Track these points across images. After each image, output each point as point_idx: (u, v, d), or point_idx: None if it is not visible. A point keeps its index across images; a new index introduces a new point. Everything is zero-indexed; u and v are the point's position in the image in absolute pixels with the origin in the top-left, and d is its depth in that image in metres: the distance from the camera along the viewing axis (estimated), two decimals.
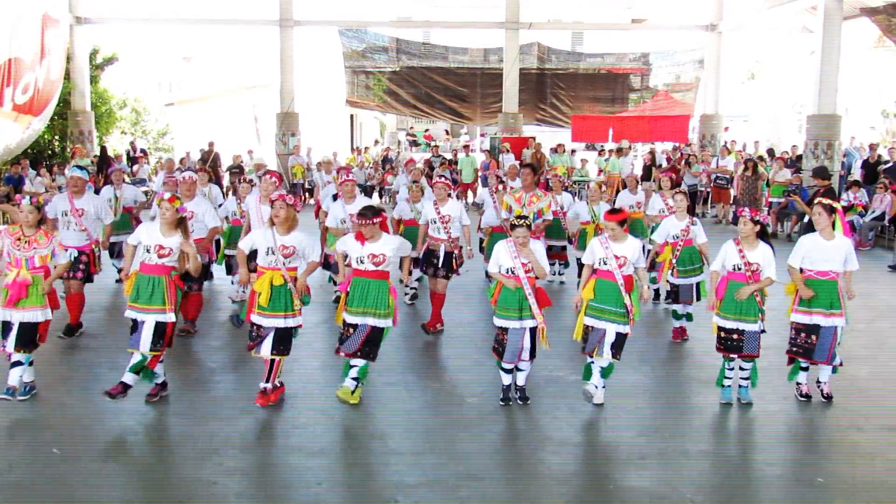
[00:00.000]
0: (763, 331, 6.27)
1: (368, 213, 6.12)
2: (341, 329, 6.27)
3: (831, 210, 6.24)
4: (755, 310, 6.18)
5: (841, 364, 6.40)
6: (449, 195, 8.34)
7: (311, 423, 5.98)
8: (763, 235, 6.30)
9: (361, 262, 6.16)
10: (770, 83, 30.73)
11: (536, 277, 6.17)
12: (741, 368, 6.37)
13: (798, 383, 6.50)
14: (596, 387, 6.21)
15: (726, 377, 6.41)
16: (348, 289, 6.22)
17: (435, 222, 8.13)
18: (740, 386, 6.41)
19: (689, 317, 8.32)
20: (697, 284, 8.23)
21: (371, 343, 6.16)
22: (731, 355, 6.28)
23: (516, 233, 6.09)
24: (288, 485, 5.05)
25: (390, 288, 6.22)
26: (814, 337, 6.24)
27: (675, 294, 8.20)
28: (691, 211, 8.28)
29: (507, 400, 6.33)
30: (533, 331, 6.14)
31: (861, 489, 5.04)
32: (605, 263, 6.12)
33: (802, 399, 6.43)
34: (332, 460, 5.39)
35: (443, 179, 8.36)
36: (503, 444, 5.74)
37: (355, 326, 6.13)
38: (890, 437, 5.87)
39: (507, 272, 6.15)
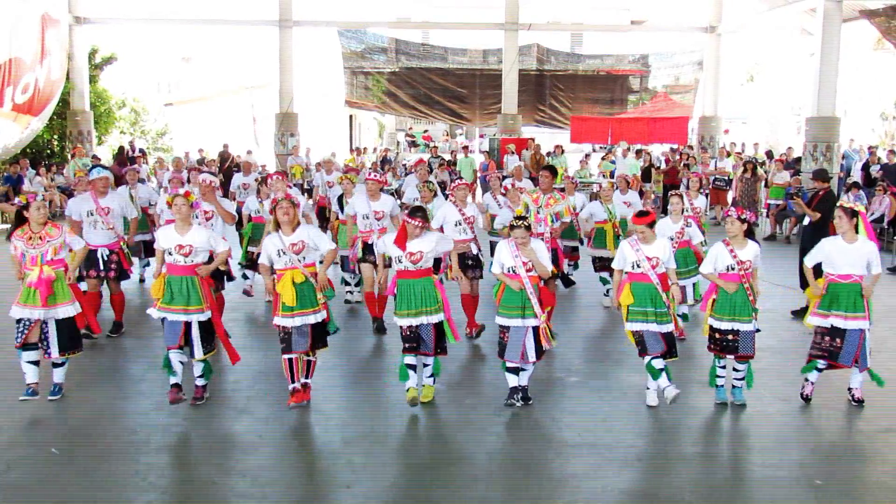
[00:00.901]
0: (758, 330, 6.28)
1: (420, 214, 6.18)
2: (401, 330, 6.22)
3: (852, 214, 6.23)
4: (749, 309, 6.18)
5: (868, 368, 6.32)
6: (434, 195, 8.38)
7: (311, 424, 5.99)
8: (749, 234, 6.32)
9: (400, 261, 6.18)
10: (769, 85, 30.76)
11: (540, 277, 6.19)
12: (735, 370, 6.34)
13: (806, 380, 6.46)
14: (647, 388, 6.35)
15: (718, 376, 6.42)
16: (395, 292, 6.24)
17: (460, 224, 8.06)
18: (734, 387, 6.38)
19: (684, 317, 8.35)
20: (693, 286, 8.24)
21: (440, 340, 6.22)
22: (727, 356, 6.28)
23: (515, 233, 6.11)
24: (287, 485, 5.05)
25: (435, 283, 6.27)
26: (839, 340, 6.22)
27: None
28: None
29: (512, 402, 6.23)
30: (536, 330, 6.15)
31: (860, 491, 5.04)
32: (638, 266, 6.15)
33: (802, 399, 6.43)
34: (331, 461, 5.39)
35: (462, 181, 8.41)
36: (503, 444, 5.74)
37: (413, 327, 6.14)
38: (889, 438, 5.88)
39: (509, 271, 6.17)
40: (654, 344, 6.12)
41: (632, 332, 6.22)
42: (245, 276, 9.86)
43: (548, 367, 7.22)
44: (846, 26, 18.23)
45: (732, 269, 6.21)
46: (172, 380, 6.15)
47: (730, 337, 6.20)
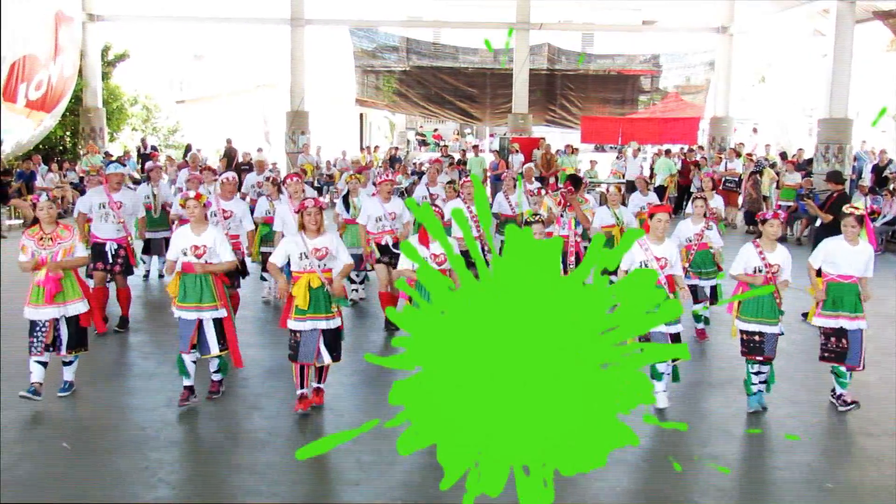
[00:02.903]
0: (781, 332, 6.26)
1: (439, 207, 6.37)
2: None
3: (861, 219, 6.30)
4: (776, 312, 6.15)
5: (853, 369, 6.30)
6: (458, 194, 8.45)
7: (321, 421, 6.02)
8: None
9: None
10: (781, 86, 30.59)
11: None
12: (759, 372, 6.29)
13: (839, 392, 6.39)
14: (658, 392, 6.25)
15: (753, 383, 6.25)
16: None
17: (382, 219, 8.30)
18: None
19: (705, 320, 8.34)
20: (714, 288, 8.22)
21: None
22: (756, 358, 6.21)
23: (532, 229, 6.12)
24: (296, 482, 5.07)
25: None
26: (844, 341, 6.22)
27: (693, 294, 8.15)
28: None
29: None
30: None
31: (869, 494, 5.03)
32: (646, 266, 6.14)
33: (849, 406, 6.24)
34: (335, 460, 5.40)
35: (387, 177, 8.61)
36: None
37: None
38: None
39: None
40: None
41: None
42: (263, 278, 9.85)
43: None
44: (859, 27, 18.12)
45: (760, 271, 6.18)
46: (186, 382, 6.17)
47: (756, 338, 6.17)
